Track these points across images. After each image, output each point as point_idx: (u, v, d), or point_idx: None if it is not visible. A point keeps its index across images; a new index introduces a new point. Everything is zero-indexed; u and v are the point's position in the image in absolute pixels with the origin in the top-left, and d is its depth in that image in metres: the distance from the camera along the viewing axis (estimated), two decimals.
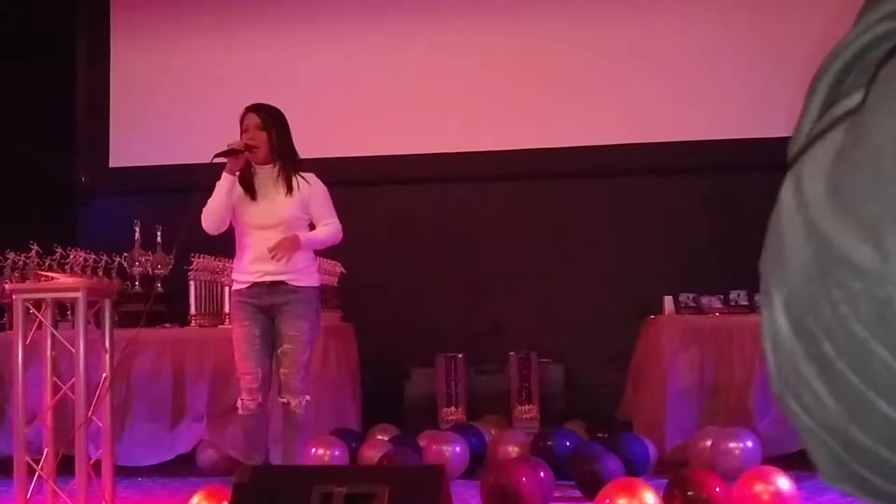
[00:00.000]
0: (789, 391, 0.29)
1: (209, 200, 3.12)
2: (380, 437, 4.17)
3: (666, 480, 2.98)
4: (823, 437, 0.29)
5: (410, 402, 4.86)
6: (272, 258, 3.06)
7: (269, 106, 3.21)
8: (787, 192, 0.29)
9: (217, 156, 3.10)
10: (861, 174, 0.27)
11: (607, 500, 2.61)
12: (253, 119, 3.15)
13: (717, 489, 2.79)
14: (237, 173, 3.11)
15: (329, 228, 3.17)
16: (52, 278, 3.34)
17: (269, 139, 3.12)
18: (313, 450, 3.77)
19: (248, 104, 3.26)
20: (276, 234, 3.10)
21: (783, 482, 2.87)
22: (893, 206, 0.25)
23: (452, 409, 4.76)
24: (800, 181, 0.29)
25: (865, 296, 0.26)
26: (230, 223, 3.18)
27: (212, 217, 3.11)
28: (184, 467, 4.17)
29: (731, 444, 3.59)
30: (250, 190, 3.15)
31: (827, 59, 0.32)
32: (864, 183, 0.26)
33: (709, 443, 3.67)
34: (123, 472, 3.92)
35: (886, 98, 0.27)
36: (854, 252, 0.26)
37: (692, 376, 4.07)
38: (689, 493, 2.76)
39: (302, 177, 3.16)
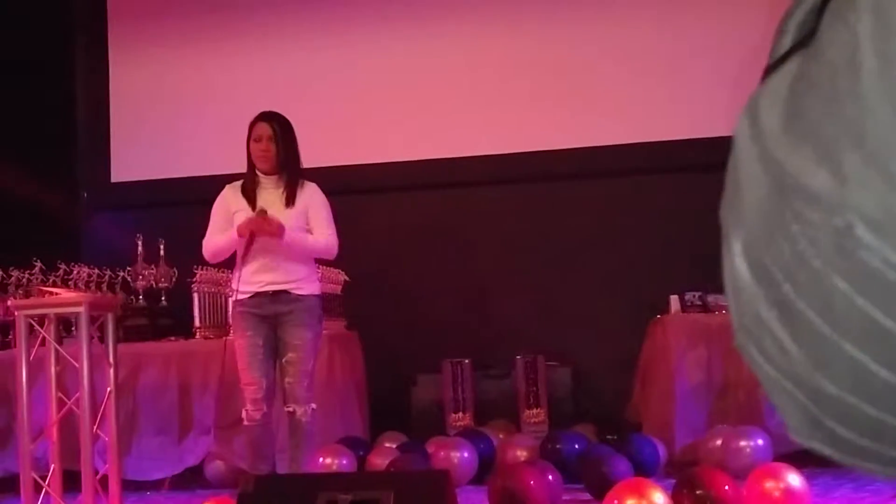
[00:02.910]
0: (752, 341, 0.28)
1: (218, 240, 3.15)
2: (387, 444, 4.15)
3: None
4: (789, 388, 0.27)
5: (418, 408, 4.84)
6: (238, 235, 3.06)
7: (281, 115, 3.21)
8: (742, 126, 0.28)
9: (240, 234, 3.10)
10: (816, 95, 0.25)
11: (616, 501, 2.59)
12: (266, 130, 3.14)
13: (727, 487, 2.76)
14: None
15: (323, 240, 3.14)
16: (55, 294, 3.34)
17: (278, 151, 3.12)
18: (321, 458, 3.76)
19: (246, 115, 3.26)
20: (276, 244, 3.10)
21: (794, 479, 2.83)
22: (849, 123, 0.24)
23: (460, 414, 4.73)
24: (755, 113, 0.27)
25: (824, 226, 0.24)
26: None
27: (214, 259, 3.24)
28: (192, 480, 4.16)
29: (742, 443, 3.55)
30: (252, 201, 3.14)
31: None
32: (819, 103, 0.25)
33: (719, 442, 3.64)
34: (133, 487, 3.91)
35: (840, 14, 0.25)
36: (811, 179, 0.25)
37: (700, 375, 4.03)
38: (698, 492, 2.73)
39: (303, 187, 3.16)
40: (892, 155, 0.23)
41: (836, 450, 0.28)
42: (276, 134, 3.13)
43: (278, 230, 3.03)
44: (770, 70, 0.28)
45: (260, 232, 3.03)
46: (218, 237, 3.15)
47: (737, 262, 0.27)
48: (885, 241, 0.23)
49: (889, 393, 0.25)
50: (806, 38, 0.29)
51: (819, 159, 0.24)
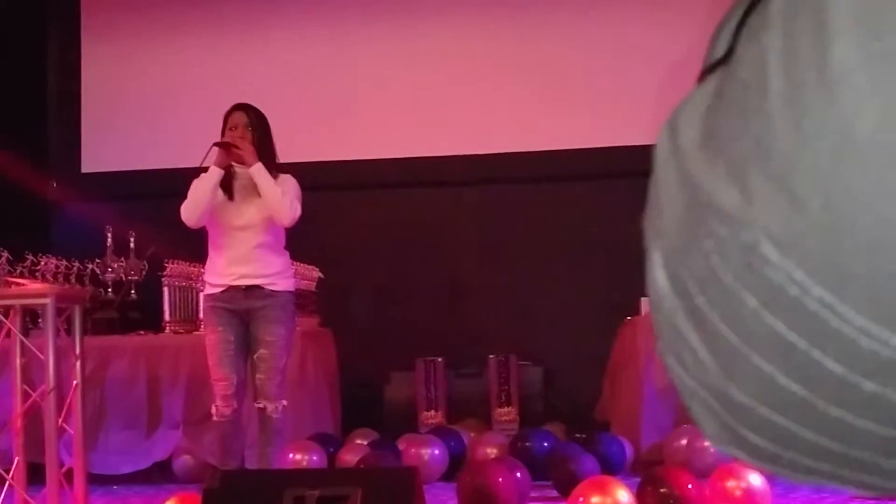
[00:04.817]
0: (671, 351, 0.29)
1: (192, 192, 3.05)
2: (359, 441, 4.16)
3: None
4: (705, 397, 0.28)
5: (390, 406, 4.85)
6: (214, 145, 3.01)
7: (256, 107, 3.19)
8: (662, 140, 0.28)
9: (216, 144, 3.06)
10: (729, 112, 0.26)
11: (581, 499, 2.61)
12: (242, 118, 3.11)
13: (690, 486, 2.80)
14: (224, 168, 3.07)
15: (286, 198, 3.06)
16: (21, 284, 3.29)
17: (255, 140, 3.10)
18: (291, 455, 3.75)
19: (220, 108, 3.23)
20: (253, 235, 3.08)
21: (755, 478, 2.88)
22: (756, 142, 0.25)
23: (432, 412, 4.74)
24: (675, 127, 0.28)
25: (732, 242, 0.25)
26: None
27: (196, 208, 3.02)
28: (160, 475, 4.13)
29: (706, 443, 3.60)
30: (228, 190, 3.11)
31: (731, 8, 0.31)
32: (731, 121, 0.26)
33: (684, 441, 3.68)
34: (100, 481, 3.87)
35: (754, 32, 0.26)
36: (721, 196, 0.25)
37: (667, 377, 4.04)
38: (662, 490, 2.77)
39: (279, 180, 3.13)
40: (796, 174, 0.24)
41: (752, 456, 0.29)
42: (253, 122, 3.11)
43: (251, 156, 3.02)
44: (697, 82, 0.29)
45: (237, 146, 3.01)
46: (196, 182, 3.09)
47: (657, 272, 0.28)
48: (789, 258, 0.24)
49: (796, 404, 0.26)
50: (728, 54, 0.29)
51: (729, 176, 0.25)
